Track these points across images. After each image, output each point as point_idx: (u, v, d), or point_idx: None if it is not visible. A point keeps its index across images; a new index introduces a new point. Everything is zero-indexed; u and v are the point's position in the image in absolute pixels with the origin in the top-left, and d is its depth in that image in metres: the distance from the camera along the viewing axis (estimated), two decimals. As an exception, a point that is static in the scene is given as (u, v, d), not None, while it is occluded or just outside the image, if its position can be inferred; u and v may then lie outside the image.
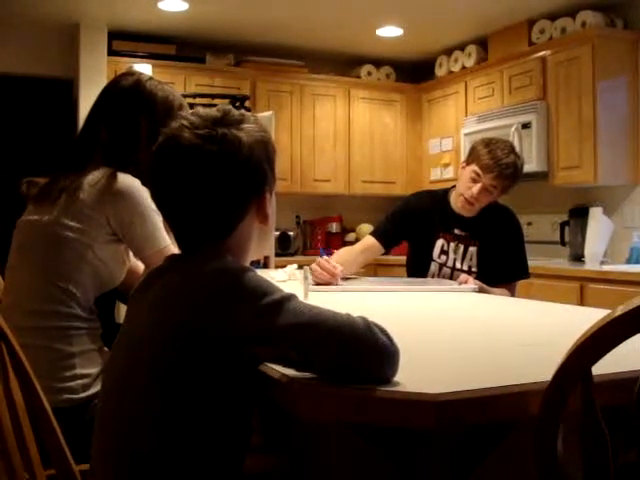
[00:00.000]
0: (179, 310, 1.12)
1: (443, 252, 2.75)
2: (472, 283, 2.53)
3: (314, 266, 2.55)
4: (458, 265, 2.73)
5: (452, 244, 2.74)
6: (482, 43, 5.21)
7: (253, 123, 1.23)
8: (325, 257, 2.63)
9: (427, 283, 2.64)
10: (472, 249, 2.73)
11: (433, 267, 2.77)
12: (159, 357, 1.11)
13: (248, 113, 1.26)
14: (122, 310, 1.84)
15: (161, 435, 1.09)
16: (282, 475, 1.49)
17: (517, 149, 2.73)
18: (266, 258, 4.12)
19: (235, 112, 1.23)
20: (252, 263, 1.31)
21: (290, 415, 1.16)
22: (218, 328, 1.07)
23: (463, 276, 2.60)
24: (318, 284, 2.50)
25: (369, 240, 2.84)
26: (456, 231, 2.74)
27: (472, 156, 2.65)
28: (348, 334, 1.04)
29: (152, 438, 1.10)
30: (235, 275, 1.11)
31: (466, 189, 2.63)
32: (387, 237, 2.81)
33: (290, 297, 1.09)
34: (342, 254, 2.82)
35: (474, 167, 2.61)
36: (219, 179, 1.16)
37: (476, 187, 2.60)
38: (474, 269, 2.72)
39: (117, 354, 1.23)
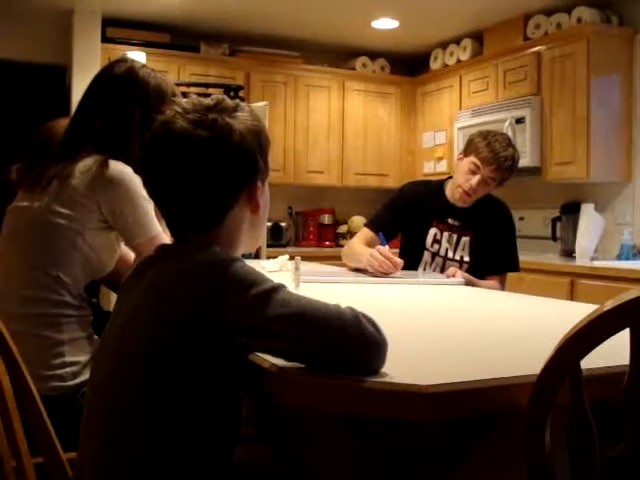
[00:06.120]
0: (169, 301, 1.11)
1: (436, 241, 2.76)
2: (460, 276, 2.54)
3: (374, 253, 2.47)
4: (450, 254, 2.74)
5: (445, 233, 2.75)
6: (478, 37, 5.21)
7: (247, 112, 1.22)
8: (386, 246, 2.53)
9: (415, 275, 2.64)
10: (465, 239, 2.74)
11: (426, 255, 2.77)
12: (149, 346, 1.10)
13: (243, 103, 1.25)
14: (113, 298, 1.83)
15: (150, 424, 1.09)
16: (273, 465, 1.49)
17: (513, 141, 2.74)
18: (257, 248, 4.11)
19: (229, 101, 1.23)
20: (243, 254, 1.30)
21: (280, 405, 1.16)
22: (207, 319, 1.07)
23: (451, 269, 2.61)
24: (375, 275, 2.44)
25: (368, 233, 2.79)
26: (450, 221, 2.75)
27: (470, 148, 2.66)
28: (336, 324, 1.04)
29: (141, 427, 1.09)
30: (224, 266, 1.11)
31: (464, 181, 2.65)
32: (386, 228, 2.74)
33: (279, 287, 1.09)
34: (349, 252, 2.81)
35: (473, 159, 2.62)
36: (209, 164, 1.16)
37: (475, 179, 2.62)
38: (466, 259, 2.73)
39: (107, 343, 1.22)
